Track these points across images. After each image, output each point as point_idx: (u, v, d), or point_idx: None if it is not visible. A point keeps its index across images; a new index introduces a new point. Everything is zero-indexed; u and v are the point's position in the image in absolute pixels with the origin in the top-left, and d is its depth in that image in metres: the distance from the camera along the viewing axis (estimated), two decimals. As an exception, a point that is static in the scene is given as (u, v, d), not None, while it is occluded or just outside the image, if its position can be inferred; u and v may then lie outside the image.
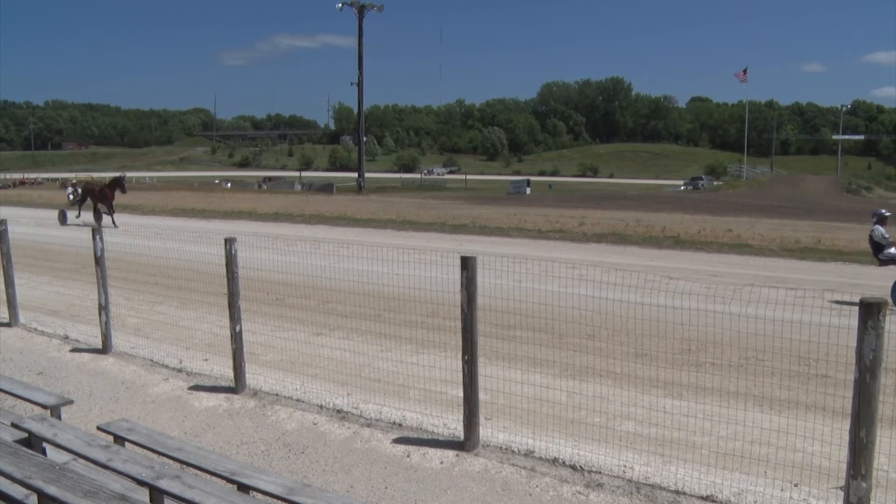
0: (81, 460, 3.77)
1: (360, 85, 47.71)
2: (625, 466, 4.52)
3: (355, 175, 52.72)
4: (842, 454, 3.72)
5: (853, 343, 3.43)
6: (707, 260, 14.63)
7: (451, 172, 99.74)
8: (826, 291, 4.74)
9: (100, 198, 22.37)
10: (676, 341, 6.92)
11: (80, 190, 24.35)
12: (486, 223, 22.33)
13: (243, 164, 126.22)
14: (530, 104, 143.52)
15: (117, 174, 25.01)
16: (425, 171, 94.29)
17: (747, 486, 4.23)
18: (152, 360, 7.23)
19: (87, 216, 22.79)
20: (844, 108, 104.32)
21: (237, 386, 6.20)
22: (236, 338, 6.14)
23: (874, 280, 11.37)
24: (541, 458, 4.71)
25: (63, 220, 23.46)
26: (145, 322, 9.00)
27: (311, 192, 51.77)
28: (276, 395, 6.10)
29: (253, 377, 6.36)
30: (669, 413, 5.30)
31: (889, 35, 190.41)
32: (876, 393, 3.39)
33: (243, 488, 3.46)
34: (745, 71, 71.26)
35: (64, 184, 25.21)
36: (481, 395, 4.94)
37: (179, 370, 6.91)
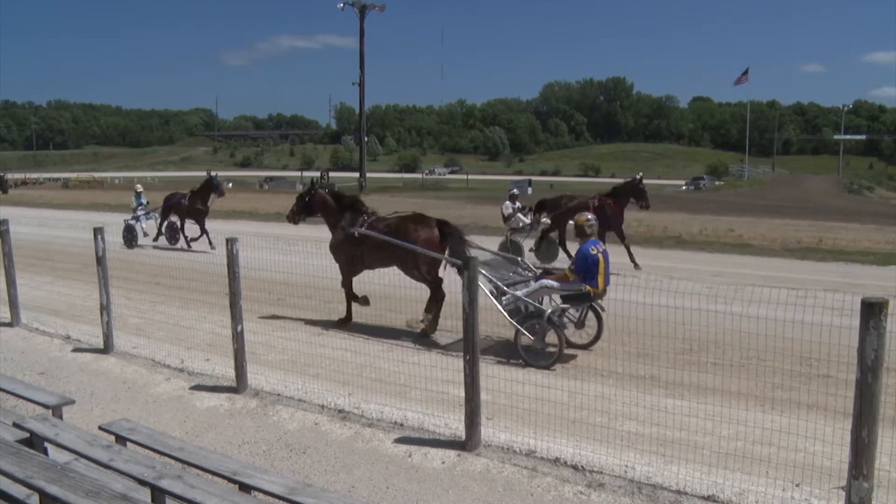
0: (83, 460, 3.77)
1: (361, 85, 47.72)
2: (626, 466, 4.52)
3: (357, 175, 52.70)
4: (843, 454, 3.72)
5: (855, 343, 3.43)
6: (708, 260, 14.61)
7: (452, 172, 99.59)
8: (828, 291, 4.75)
9: (611, 222, 12.92)
10: (678, 341, 6.91)
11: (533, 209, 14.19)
12: (488, 223, 22.31)
13: (245, 164, 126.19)
14: (532, 104, 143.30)
15: (632, 176, 14.14)
16: (427, 171, 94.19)
17: (749, 486, 4.23)
18: (154, 360, 7.23)
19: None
20: (846, 108, 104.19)
21: (239, 386, 6.20)
22: (238, 338, 6.14)
23: (876, 280, 11.36)
24: (542, 458, 4.71)
25: (513, 254, 11.27)
26: (147, 322, 9.00)
27: (313, 192, 51.70)
28: (278, 395, 6.11)
29: (254, 377, 6.36)
30: (671, 413, 5.30)
31: (889, 35, 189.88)
32: (878, 393, 3.39)
33: (245, 488, 3.46)
34: (745, 72, 70.98)
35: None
36: (483, 395, 4.94)
37: (181, 370, 6.91)
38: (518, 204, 14.63)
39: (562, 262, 12.74)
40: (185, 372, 6.85)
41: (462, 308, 4.78)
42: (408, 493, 4.39)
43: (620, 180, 16.15)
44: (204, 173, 19.81)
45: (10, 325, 8.69)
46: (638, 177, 13.71)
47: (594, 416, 5.32)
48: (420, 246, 7.77)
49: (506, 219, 14.44)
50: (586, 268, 6.96)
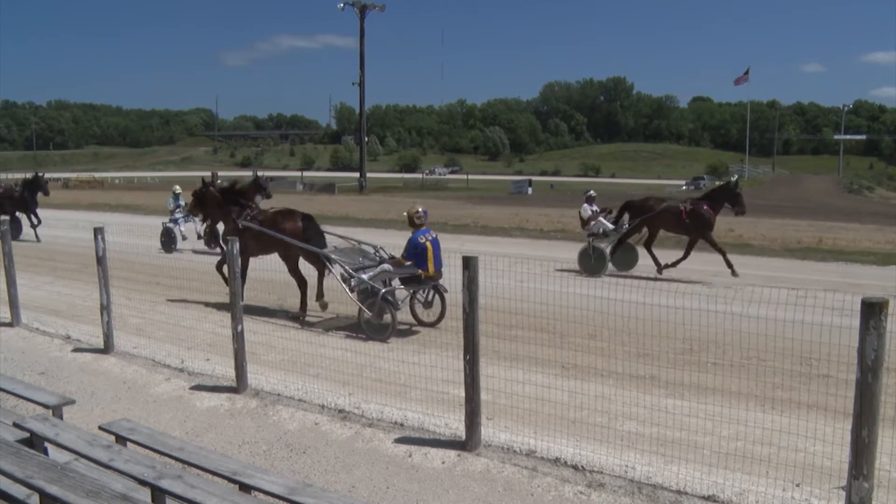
0: (83, 460, 3.77)
1: (361, 85, 47.74)
2: (626, 466, 4.52)
3: (357, 175, 52.73)
4: (844, 454, 3.72)
5: (855, 343, 3.43)
6: (709, 259, 14.59)
7: (452, 172, 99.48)
8: (828, 291, 4.75)
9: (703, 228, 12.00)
10: (678, 341, 6.91)
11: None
12: (488, 223, 22.33)
13: (245, 164, 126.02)
14: (532, 104, 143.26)
15: (726, 180, 13.05)
16: (427, 171, 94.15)
17: (749, 486, 4.23)
18: (154, 360, 7.23)
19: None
20: (846, 108, 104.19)
21: (239, 386, 6.20)
22: (238, 338, 6.14)
23: (876, 280, 11.35)
24: (542, 458, 4.71)
25: (597, 264, 12.30)
26: (147, 322, 9.01)
27: (313, 191, 51.83)
28: (278, 395, 6.11)
29: (254, 377, 6.36)
30: (671, 413, 5.30)
31: (889, 35, 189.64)
32: (878, 393, 3.39)
33: (245, 488, 3.46)
34: (746, 72, 70.88)
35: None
36: (483, 395, 4.94)
37: (181, 370, 6.91)
38: (595, 207, 13.20)
39: (642, 269, 12.16)
40: (186, 372, 6.86)
41: (462, 308, 4.78)
42: (408, 493, 4.39)
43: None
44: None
45: (10, 325, 8.69)
46: (733, 180, 12.46)
47: (594, 416, 5.32)
48: (287, 236, 9.10)
49: (584, 222, 13.11)
50: (416, 254, 8.22)
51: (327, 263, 8.87)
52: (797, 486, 4.25)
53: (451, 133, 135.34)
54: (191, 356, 7.27)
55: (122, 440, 4.10)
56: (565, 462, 4.63)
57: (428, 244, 8.17)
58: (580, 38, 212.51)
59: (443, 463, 4.73)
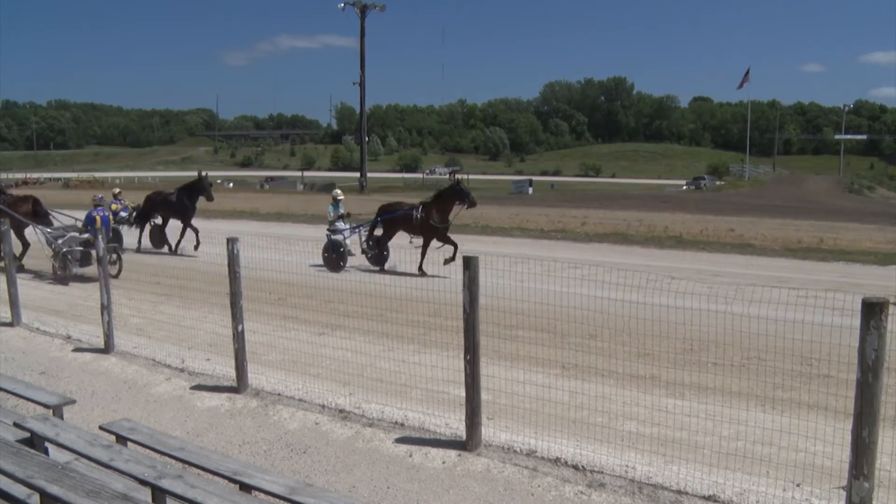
0: (84, 460, 3.78)
1: (362, 85, 47.73)
2: (627, 466, 4.52)
3: (357, 175, 52.73)
4: (844, 454, 3.72)
5: (855, 343, 3.42)
6: (709, 260, 14.61)
7: (453, 172, 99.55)
8: (829, 291, 4.75)
9: None
10: (678, 341, 6.90)
11: None
12: (488, 223, 22.31)
13: (245, 164, 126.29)
14: (532, 104, 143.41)
15: None
16: (427, 171, 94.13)
17: (749, 485, 4.23)
18: (154, 360, 7.24)
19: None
20: (847, 108, 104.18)
21: (239, 386, 6.21)
22: (238, 337, 6.14)
23: (876, 280, 11.35)
24: (543, 458, 4.71)
25: None
26: (147, 322, 9.01)
27: (314, 191, 51.85)
28: (279, 394, 6.11)
29: (255, 377, 6.36)
30: (671, 413, 5.29)
31: (889, 35, 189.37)
32: (878, 393, 3.39)
33: (245, 488, 3.46)
34: (746, 73, 70.75)
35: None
36: (483, 395, 4.94)
37: (181, 370, 6.92)
38: None
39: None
40: (186, 372, 6.86)
41: (462, 308, 4.78)
42: (408, 492, 4.39)
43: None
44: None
45: (10, 324, 8.70)
46: None
47: (595, 415, 5.31)
48: (22, 216, 13.17)
49: None
50: (89, 223, 12.33)
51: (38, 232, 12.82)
52: (798, 486, 4.25)
53: (451, 133, 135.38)
54: (191, 356, 7.27)
55: (122, 440, 4.10)
56: (566, 462, 4.63)
57: (98, 217, 12.32)
58: (580, 38, 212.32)
59: (443, 463, 4.73)
